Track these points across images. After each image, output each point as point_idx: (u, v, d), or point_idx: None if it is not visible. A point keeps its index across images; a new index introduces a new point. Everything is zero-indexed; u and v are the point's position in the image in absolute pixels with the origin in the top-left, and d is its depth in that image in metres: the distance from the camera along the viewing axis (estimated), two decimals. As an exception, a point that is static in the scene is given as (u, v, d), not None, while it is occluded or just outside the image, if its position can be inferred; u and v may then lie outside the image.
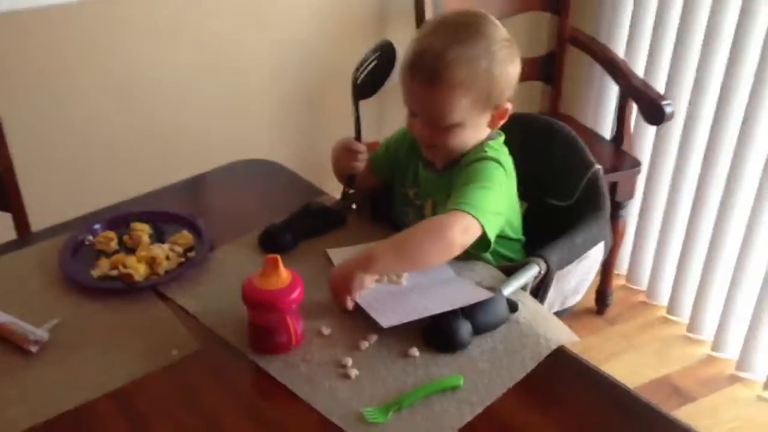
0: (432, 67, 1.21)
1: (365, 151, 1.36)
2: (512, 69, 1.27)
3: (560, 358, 1.12)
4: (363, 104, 1.36)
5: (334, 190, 1.48)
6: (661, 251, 2.41)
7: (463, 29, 1.23)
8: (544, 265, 1.26)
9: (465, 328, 1.13)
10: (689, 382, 2.25)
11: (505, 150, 1.33)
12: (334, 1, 2.36)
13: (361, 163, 1.37)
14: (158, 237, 1.37)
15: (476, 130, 1.30)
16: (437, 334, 1.13)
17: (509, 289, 1.22)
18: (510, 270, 1.26)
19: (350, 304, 1.16)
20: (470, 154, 1.31)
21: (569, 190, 1.44)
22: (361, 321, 1.16)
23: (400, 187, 1.44)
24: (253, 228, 1.38)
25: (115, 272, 1.28)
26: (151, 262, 1.29)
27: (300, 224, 1.37)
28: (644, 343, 2.38)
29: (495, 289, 1.20)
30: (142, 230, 1.37)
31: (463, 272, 1.25)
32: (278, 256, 1.11)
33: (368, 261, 1.15)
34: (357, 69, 1.32)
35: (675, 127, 2.25)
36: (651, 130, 2.33)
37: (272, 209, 1.44)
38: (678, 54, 2.19)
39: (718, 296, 2.27)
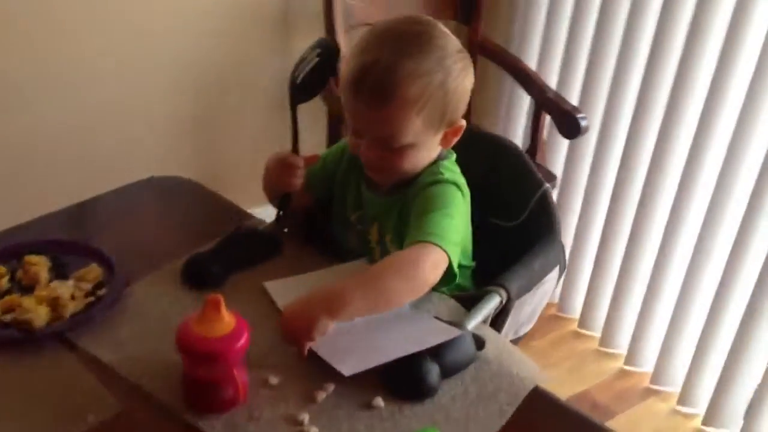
0: (380, 84, 1.08)
1: (302, 166, 1.21)
2: (467, 83, 1.17)
3: (531, 395, 1.02)
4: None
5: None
6: (573, 264, 2.37)
7: (414, 40, 1.11)
8: (505, 295, 1.16)
9: (434, 370, 1.01)
10: (606, 397, 2.22)
11: (458, 170, 1.22)
12: (235, 6, 2.18)
13: (299, 180, 1.21)
14: (59, 272, 1.16)
15: (429, 150, 1.18)
16: (404, 379, 1.00)
17: (472, 323, 1.11)
18: (466, 300, 1.15)
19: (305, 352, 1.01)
20: (424, 177, 1.19)
21: (516, 209, 1.35)
22: (314, 367, 1.01)
23: (340, 209, 1.30)
24: (173, 257, 1.20)
25: (8, 317, 1.07)
26: (54, 304, 1.09)
27: (230, 253, 1.20)
28: (559, 360, 2.34)
29: (459, 324, 1.09)
30: (39, 264, 1.16)
31: (418, 305, 1.13)
32: (220, 298, 0.94)
33: (337, 304, 1.01)
34: (295, 69, 1.17)
35: (589, 140, 2.22)
36: (564, 143, 2.30)
37: (192, 235, 1.27)
38: (592, 66, 2.16)
39: (631, 309, 2.26)
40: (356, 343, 1.04)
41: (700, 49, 1.88)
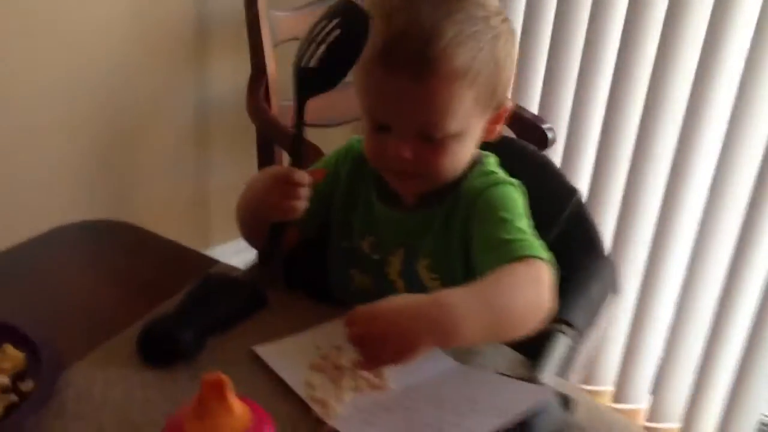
0: (422, 50, 0.82)
1: (310, 183, 0.89)
2: (515, 51, 0.92)
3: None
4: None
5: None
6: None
7: (438, 27, 0.84)
8: (572, 333, 0.90)
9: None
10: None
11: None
12: (141, 31, 1.85)
13: (302, 203, 0.88)
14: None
15: (474, 141, 0.92)
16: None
17: (546, 377, 0.83)
18: (523, 346, 0.88)
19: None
20: (471, 180, 0.93)
21: (545, 222, 1.09)
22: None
23: (341, 238, 1.01)
24: (122, 324, 0.87)
25: None
26: (-44, 409, 0.74)
27: (201, 312, 0.87)
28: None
29: (532, 379, 0.81)
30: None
31: (462, 357, 0.85)
32: (224, 378, 0.63)
33: (449, 327, 0.74)
34: (303, 48, 0.86)
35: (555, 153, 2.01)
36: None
37: (142, 292, 0.94)
38: (552, 73, 1.96)
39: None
40: (410, 424, 0.74)
41: (674, 49, 1.69)
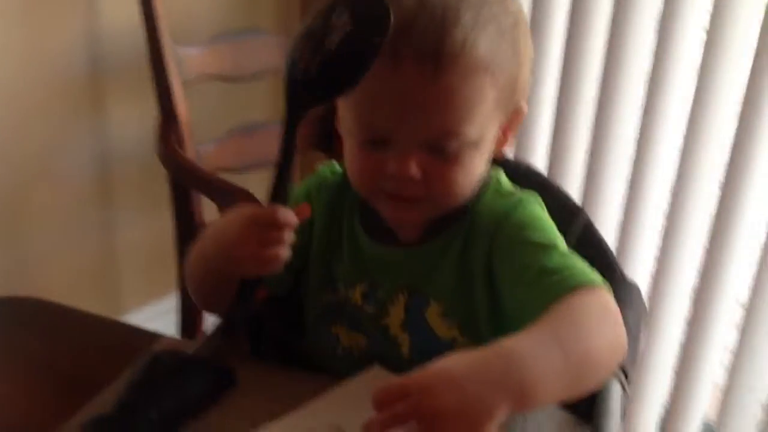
0: (437, 40, 0.66)
1: (295, 224, 0.69)
2: (531, 44, 0.75)
3: None
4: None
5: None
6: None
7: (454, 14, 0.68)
8: (623, 377, 0.73)
9: None
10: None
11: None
12: (27, 71, 1.60)
13: (286, 251, 0.68)
14: None
15: (489, 152, 0.75)
16: None
17: (614, 435, 0.66)
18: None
19: None
20: (485, 204, 0.76)
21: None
22: None
23: (321, 293, 0.80)
24: (53, 424, 0.65)
25: None
26: None
27: (155, 405, 0.66)
28: None
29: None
30: None
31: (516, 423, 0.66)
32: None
33: (525, 384, 0.56)
34: (298, 51, 0.67)
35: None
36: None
37: (67, 385, 0.72)
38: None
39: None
40: None
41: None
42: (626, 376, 0.73)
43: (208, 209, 1.62)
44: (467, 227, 0.75)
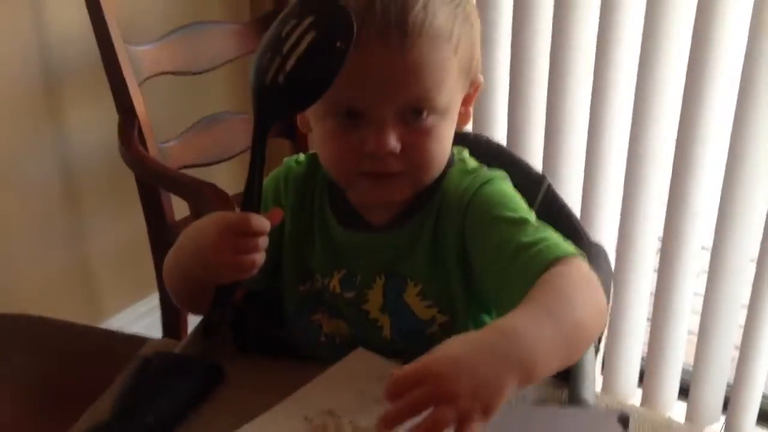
0: (402, 12, 0.69)
1: (268, 230, 0.70)
2: (479, 19, 0.78)
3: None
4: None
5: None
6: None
7: None
8: (595, 340, 0.76)
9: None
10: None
11: None
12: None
13: (261, 256, 0.70)
14: None
15: (454, 125, 0.77)
16: None
17: (591, 395, 0.70)
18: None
19: None
20: (452, 181, 0.78)
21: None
22: None
23: (298, 284, 0.82)
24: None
25: None
26: None
27: (149, 406, 0.68)
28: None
29: (582, 403, 0.67)
30: None
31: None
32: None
33: (528, 356, 0.59)
34: (265, 60, 0.68)
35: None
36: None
37: (59, 397, 0.73)
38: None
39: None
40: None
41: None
42: (599, 336, 0.76)
43: (178, 206, 1.63)
44: (437, 207, 0.78)
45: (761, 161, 1.37)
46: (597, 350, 0.78)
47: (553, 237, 0.72)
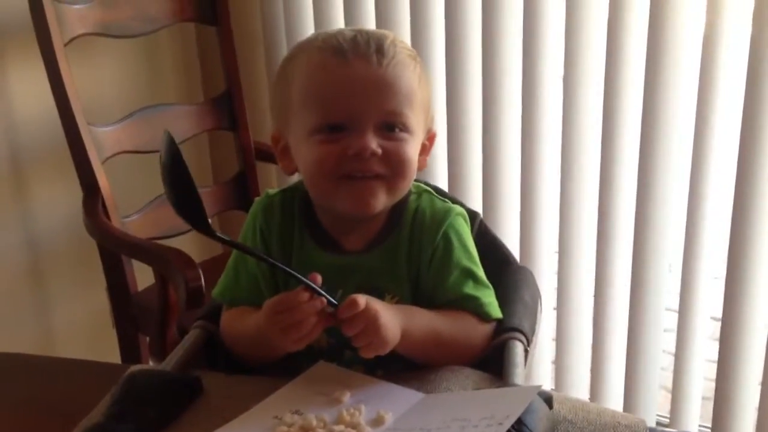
0: (377, 44, 0.86)
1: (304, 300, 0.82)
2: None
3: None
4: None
5: None
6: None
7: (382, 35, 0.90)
8: (524, 339, 0.88)
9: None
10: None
11: None
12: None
13: (309, 324, 0.82)
14: None
15: (416, 158, 0.89)
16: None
17: (520, 380, 0.81)
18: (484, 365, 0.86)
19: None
20: (422, 204, 0.92)
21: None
22: None
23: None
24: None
25: None
26: None
27: (134, 414, 0.76)
28: None
29: (508, 385, 0.78)
30: None
31: (426, 387, 0.81)
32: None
33: (402, 331, 0.83)
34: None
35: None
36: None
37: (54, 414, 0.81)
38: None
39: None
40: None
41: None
42: (528, 339, 0.88)
43: (141, 278, 1.70)
44: (408, 229, 0.90)
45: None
46: (526, 348, 0.89)
47: (490, 299, 0.91)
